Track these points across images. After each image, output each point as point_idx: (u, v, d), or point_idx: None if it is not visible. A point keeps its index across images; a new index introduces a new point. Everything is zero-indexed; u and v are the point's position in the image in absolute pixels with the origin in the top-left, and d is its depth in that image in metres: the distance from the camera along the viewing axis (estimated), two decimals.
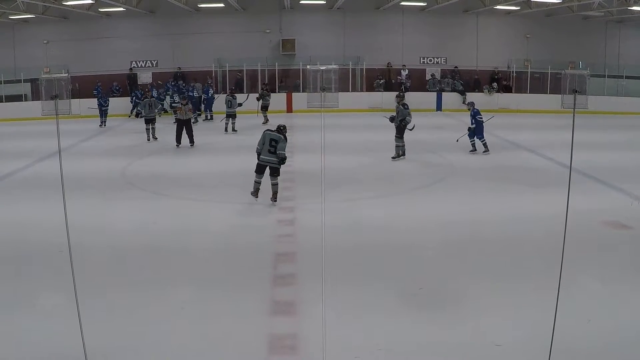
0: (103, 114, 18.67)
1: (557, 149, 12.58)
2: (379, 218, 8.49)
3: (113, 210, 9.06)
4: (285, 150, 8.91)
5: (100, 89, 20.17)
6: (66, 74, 21.20)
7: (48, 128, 13.88)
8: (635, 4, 17.87)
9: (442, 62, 23.73)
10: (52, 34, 22.49)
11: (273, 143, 8.80)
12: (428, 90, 22.90)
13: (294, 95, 22.22)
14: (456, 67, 23.34)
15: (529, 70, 22.81)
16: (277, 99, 21.85)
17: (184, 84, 21.24)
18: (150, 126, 15.43)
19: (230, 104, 17.07)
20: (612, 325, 5.03)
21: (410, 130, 12.64)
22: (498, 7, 21.28)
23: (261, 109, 18.68)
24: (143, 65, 23.07)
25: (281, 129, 9.01)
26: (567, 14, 22.15)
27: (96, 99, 19.33)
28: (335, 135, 15.05)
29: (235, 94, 17.68)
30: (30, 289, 5.96)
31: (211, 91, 20.52)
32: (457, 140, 13.61)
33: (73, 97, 20.95)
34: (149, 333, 5.01)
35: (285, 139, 8.92)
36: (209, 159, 13.41)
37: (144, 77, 22.81)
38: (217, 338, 4.93)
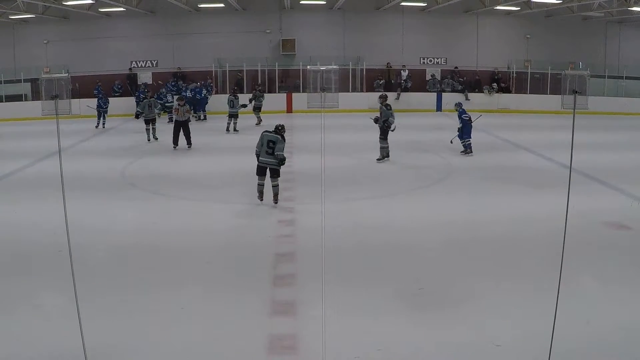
0: (102, 115, 18.41)
1: (557, 150, 12.58)
2: (379, 218, 8.49)
3: (113, 210, 9.06)
4: (284, 150, 8.88)
5: (100, 88, 20.15)
6: (66, 74, 21.19)
7: (48, 128, 13.87)
8: (635, 4, 17.87)
9: (442, 63, 23.73)
10: (52, 34, 22.48)
11: (270, 144, 8.76)
12: (428, 91, 22.90)
13: (294, 95, 22.22)
14: (456, 67, 23.34)
15: (529, 71, 22.81)
16: (277, 99, 21.86)
17: (184, 84, 21.25)
18: (151, 126, 15.42)
19: (232, 104, 17.10)
20: (612, 326, 5.02)
21: (392, 131, 12.42)
22: (498, 7, 21.28)
23: (254, 110, 18.37)
24: (143, 65, 23.07)
25: (279, 129, 8.95)
26: (567, 15, 22.15)
27: (96, 99, 19.23)
28: (335, 136, 15.05)
29: (238, 94, 17.70)
30: (30, 289, 5.96)
31: (204, 91, 20.53)
32: (451, 142, 13.56)
33: (73, 97, 20.94)
34: (148, 333, 5.02)
35: (283, 139, 8.87)
36: (209, 159, 13.41)
37: (144, 77, 22.80)
38: (217, 338, 4.93)
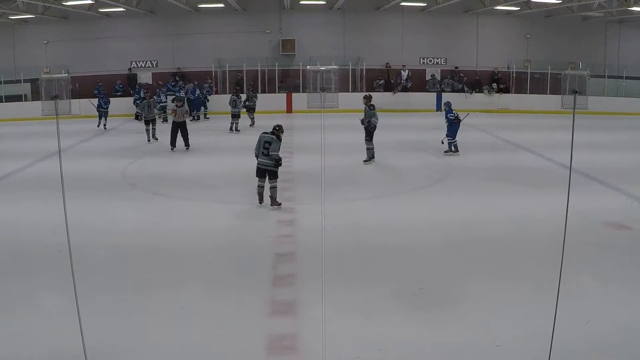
0: (102, 115, 18.22)
1: (557, 150, 12.59)
2: (379, 218, 8.49)
3: (113, 210, 9.06)
4: (280, 150, 8.82)
5: (101, 88, 20.13)
6: (66, 74, 21.18)
7: (48, 128, 13.86)
8: (635, 4, 17.87)
9: (442, 63, 23.73)
10: (52, 34, 22.48)
11: (267, 145, 8.75)
12: (428, 91, 22.89)
13: (294, 95, 22.22)
14: (457, 67, 23.33)
15: (529, 71, 22.81)
16: (277, 100, 21.86)
17: (183, 84, 21.26)
18: (151, 127, 15.40)
19: (234, 104, 17.12)
20: (612, 326, 5.02)
21: (372, 131, 12.29)
22: (498, 7, 21.27)
23: (247, 111, 18.20)
24: (143, 65, 23.06)
25: (276, 130, 8.92)
26: (567, 15, 22.14)
27: (97, 99, 19.15)
28: (335, 136, 15.03)
29: (240, 94, 17.70)
30: (30, 289, 5.96)
31: (198, 92, 20.52)
32: (442, 142, 13.52)
33: (73, 98, 20.92)
34: (148, 333, 5.02)
35: (279, 139, 8.83)
36: (209, 159, 13.40)
37: (144, 77, 22.80)
38: (217, 338, 4.93)
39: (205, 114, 20.40)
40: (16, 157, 13.14)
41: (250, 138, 11.71)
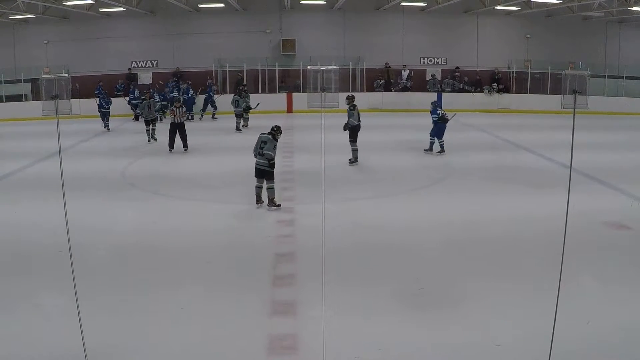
0: (105, 116, 17.99)
1: (557, 150, 12.58)
2: (379, 218, 8.49)
3: (113, 210, 9.06)
4: (276, 150, 8.81)
5: (101, 88, 20.08)
6: (66, 74, 21.17)
7: (48, 128, 13.84)
8: (635, 4, 17.87)
9: (443, 63, 23.73)
10: (52, 34, 22.47)
11: (262, 145, 8.76)
12: (428, 91, 22.88)
13: (294, 95, 22.22)
14: (457, 67, 23.33)
15: (529, 71, 22.81)
16: (277, 99, 21.86)
17: (178, 84, 21.25)
18: (150, 127, 15.38)
19: (237, 103, 17.13)
20: (612, 326, 5.03)
21: (344, 131, 12.18)
22: (498, 7, 21.27)
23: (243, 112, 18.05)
24: (143, 65, 23.06)
25: (274, 130, 8.92)
26: (567, 15, 22.14)
27: (97, 99, 19.02)
28: (335, 136, 15.00)
29: (242, 95, 17.66)
30: (30, 289, 5.96)
31: (191, 92, 20.48)
32: (434, 148, 13.53)
33: (73, 97, 20.91)
34: (148, 333, 5.02)
35: (274, 139, 8.81)
36: (209, 159, 13.40)
37: (144, 77, 22.80)
38: (217, 338, 4.93)
39: (213, 114, 20.28)
40: (16, 157, 13.14)
41: (250, 138, 11.68)
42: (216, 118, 20.21)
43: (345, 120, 12.25)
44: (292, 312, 5.42)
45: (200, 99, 21.04)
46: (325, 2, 22.44)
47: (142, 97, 16.59)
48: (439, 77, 23.33)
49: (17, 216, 8.67)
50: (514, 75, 23.29)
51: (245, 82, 21.40)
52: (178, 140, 13.87)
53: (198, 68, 22.36)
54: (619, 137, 16.30)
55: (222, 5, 21.90)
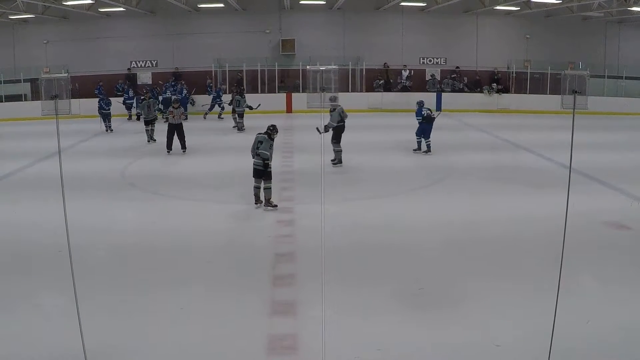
0: (106, 117, 17.62)
1: (557, 150, 12.58)
2: (379, 218, 8.49)
3: (113, 210, 9.06)
4: (271, 149, 8.79)
5: (102, 88, 20.04)
6: (66, 74, 21.15)
7: (48, 128, 13.81)
8: (635, 4, 17.87)
9: (442, 63, 23.72)
10: (52, 34, 22.47)
11: (258, 145, 8.77)
12: (428, 91, 22.88)
13: (294, 95, 22.21)
14: (458, 67, 23.33)
15: (528, 71, 22.80)
16: (277, 99, 21.86)
17: (178, 84, 21.28)
18: (150, 127, 15.33)
19: (238, 103, 17.16)
20: (612, 325, 5.03)
21: (324, 132, 12.01)
22: (498, 7, 21.27)
23: (232, 113, 17.89)
24: (143, 65, 23.05)
25: (269, 130, 8.92)
26: (566, 15, 22.14)
27: (97, 99, 18.69)
28: None
29: (245, 94, 17.67)
30: (30, 289, 5.96)
31: (185, 92, 20.43)
32: (424, 148, 13.60)
33: (73, 97, 20.88)
34: (148, 333, 5.02)
35: (270, 139, 8.81)
36: (209, 159, 13.39)
37: (144, 77, 22.79)
38: (217, 338, 4.93)
39: (220, 115, 20.22)
40: (16, 157, 13.14)
41: (251, 138, 11.69)
42: (222, 118, 20.17)
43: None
44: (292, 312, 5.42)
45: (200, 99, 21.02)
46: (324, 2, 22.43)
47: (142, 97, 16.53)
48: (438, 77, 23.33)
49: (17, 216, 8.67)
50: (514, 75, 23.29)
51: (236, 84, 21.36)
52: (176, 141, 13.70)
53: (198, 68, 22.35)
54: (619, 137, 16.31)
55: (221, 5, 21.89)
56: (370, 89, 22.85)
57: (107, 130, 17.46)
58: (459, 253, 7.09)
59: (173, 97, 17.30)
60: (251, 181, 9.02)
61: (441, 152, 13.50)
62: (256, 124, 17.55)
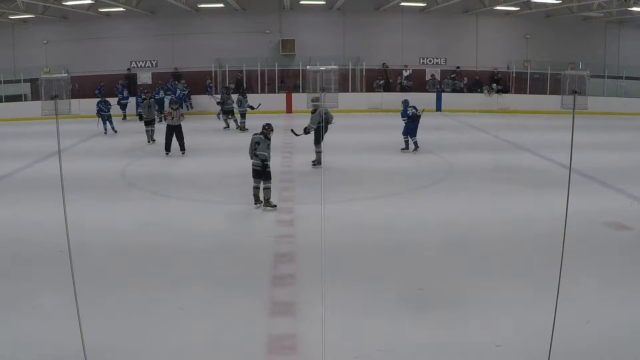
0: (108, 119, 17.20)
1: (557, 150, 12.58)
2: (379, 218, 8.49)
3: (113, 210, 9.06)
4: (269, 149, 8.81)
5: (102, 89, 19.99)
6: (66, 74, 21.12)
7: (48, 128, 13.82)
8: (635, 4, 17.88)
9: (442, 63, 23.72)
10: (52, 34, 22.47)
11: (256, 146, 8.80)
12: (428, 91, 22.89)
13: (294, 95, 22.21)
14: (458, 67, 23.33)
15: (528, 71, 22.81)
16: (277, 100, 21.87)
17: (169, 85, 21.27)
18: (150, 128, 15.29)
19: (240, 103, 17.18)
20: (612, 326, 5.03)
21: (316, 135, 12.02)
22: (498, 7, 21.28)
23: (223, 114, 17.82)
24: (142, 65, 23.05)
25: (265, 130, 8.93)
26: (566, 15, 22.14)
27: (98, 99, 18.08)
28: (335, 136, 15.04)
29: (247, 94, 17.68)
30: (30, 289, 5.95)
31: (178, 91, 20.42)
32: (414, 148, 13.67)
33: (73, 97, 20.87)
34: (148, 333, 5.02)
35: (267, 139, 8.83)
36: (208, 159, 13.39)
37: (144, 78, 22.79)
38: (217, 338, 4.93)
39: (218, 114, 20.15)
40: (16, 157, 13.14)
41: (250, 138, 11.72)
42: (231, 118, 20.14)
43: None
44: (292, 312, 5.42)
45: (200, 100, 21.01)
46: (324, 3, 22.44)
47: (143, 97, 16.48)
48: (438, 77, 23.33)
49: (17, 216, 8.66)
50: (514, 75, 23.29)
51: (227, 84, 21.34)
52: (175, 143, 13.52)
53: (197, 68, 22.36)
54: (619, 137, 16.31)
55: (221, 5, 21.89)
56: (370, 89, 22.85)
57: (105, 133, 17.07)
58: (459, 253, 7.09)
59: (171, 98, 17.23)
60: (251, 181, 9.02)
61: (441, 152, 13.50)
62: (257, 124, 17.60)
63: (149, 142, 15.23)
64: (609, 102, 21.42)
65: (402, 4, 21.64)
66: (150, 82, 22.15)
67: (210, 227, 8.15)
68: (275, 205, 8.86)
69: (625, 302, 5.52)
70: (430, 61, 23.73)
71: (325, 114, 12.18)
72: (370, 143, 14.62)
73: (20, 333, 4.96)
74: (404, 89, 22.56)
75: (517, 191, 9.97)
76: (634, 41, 23.48)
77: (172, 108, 13.56)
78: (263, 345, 4.75)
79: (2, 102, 21.22)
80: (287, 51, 22.85)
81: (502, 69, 23.22)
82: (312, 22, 23.19)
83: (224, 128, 17.68)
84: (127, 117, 20.19)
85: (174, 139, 13.44)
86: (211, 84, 21.80)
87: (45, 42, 22.51)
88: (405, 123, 13.52)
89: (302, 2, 22.36)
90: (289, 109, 22.05)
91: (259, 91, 21.92)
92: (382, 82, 22.83)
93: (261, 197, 8.90)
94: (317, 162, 12.04)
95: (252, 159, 8.90)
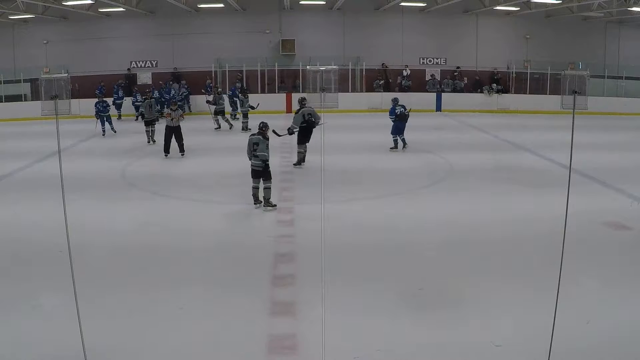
0: (104, 120, 16.86)
1: (557, 150, 12.58)
2: (379, 218, 8.49)
3: (113, 210, 9.06)
4: (268, 149, 8.81)
5: (103, 89, 19.97)
6: (66, 74, 21.16)
7: (48, 128, 13.85)
8: (635, 4, 17.88)
9: (442, 63, 23.72)
10: (52, 34, 22.46)
11: (255, 147, 8.79)
12: (427, 91, 22.90)
13: (294, 95, 22.19)
14: (458, 67, 23.33)
15: (528, 71, 22.81)
16: (277, 100, 21.87)
17: (185, 85, 21.28)
18: (150, 128, 15.24)
19: (242, 103, 17.20)
20: (612, 326, 5.03)
21: (299, 135, 12.01)
22: (498, 7, 21.28)
23: (214, 114, 17.59)
24: (142, 65, 23.05)
25: (262, 129, 8.93)
26: (566, 15, 22.14)
27: (97, 99, 17.68)
28: (334, 136, 15.05)
29: (248, 94, 17.67)
30: (30, 289, 5.95)
31: (172, 92, 20.41)
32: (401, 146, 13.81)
33: (72, 97, 20.90)
34: (148, 333, 5.02)
35: (265, 139, 8.83)
36: (208, 159, 13.39)
37: (144, 78, 22.79)
38: (217, 338, 4.93)
39: (235, 115, 20.12)
40: (16, 157, 13.14)
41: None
42: (237, 118, 20.09)
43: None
44: (292, 312, 5.42)
45: (200, 100, 20.99)
46: (324, 3, 22.44)
47: (144, 97, 16.45)
48: (438, 77, 23.34)
49: (17, 216, 8.66)
50: (514, 75, 23.29)
51: (214, 83, 21.30)
52: (174, 145, 13.36)
53: (197, 68, 22.36)
54: (619, 137, 16.30)
55: (221, 5, 21.89)
56: (370, 89, 22.85)
57: (104, 134, 16.75)
58: (459, 253, 7.09)
59: (170, 98, 17.20)
60: (251, 181, 9.02)
61: (441, 152, 13.50)
62: (255, 123, 17.57)
63: (149, 142, 15.19)
64: (609, 102, 21.43)
65: (402, 4, 21.64)
66: (151, 82, 22.16)
67: (210, 227, 8.15)
68: (275, 205, 8.86)
69: (625, 302, 5.52)
70: (430, 61, 23.73)
71: (309, 114, 12.17)
72: (371, 143, 14.61)
73: (20, 333, 4.96)
74: (403, 89, 22.56)
75: (517, 191, 9.97)
76: (634, 41, 23.48)
77: (171, 109, 13.39)
78: (263, 345, 4.75)
79: (2, 102, 21.22)
80: (287, 51, 22.85)
81: (502, 69, 23.22)
82: (312, 22, 23.19)
83: (215, 129, 17.52)
84: (122, 117, 20.21)
85: (173, 140, 13.31)
86: (211, 84, 21.79)
87: (45, 42, 22.51)
88: (392, 122, 13.57)
89: (302, 2, 22.36)
90: (288, 109, 22.03)
91: (259, 91, 21.91)
92: (382, 82, 22.83)
93: (260, 197, 8.90)
94: (297, 162, 12.01)
95: (250, 160, 8.90)
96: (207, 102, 17.81)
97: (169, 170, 12.27)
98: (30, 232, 7.81)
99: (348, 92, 22.34)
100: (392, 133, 13.75)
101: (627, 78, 22.14)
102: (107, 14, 21.99)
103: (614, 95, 22.18)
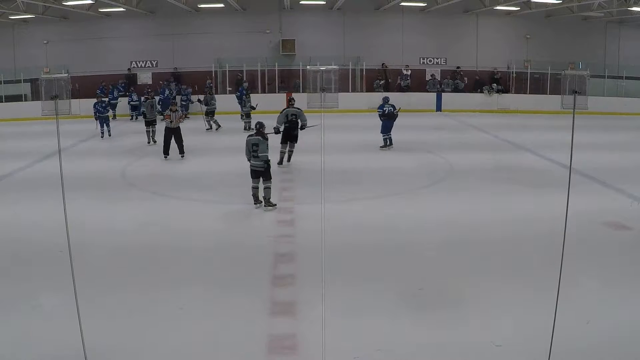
0: (106, 120, 16.61)
1: (557, 150, 12.58)
2: (379, 218, 8.49)
3: (113, 210, 9.05)
4: (268, 149, 8.81)
5: (104, 90, 19.95)
6: (66, 74, 21.17)
7: (48, 128, 13.86)
8: (635, 4, 17.88)
9: (442, 63, 23.73)
10: (52, 34, 22.47)
11: (254, 148, 8.79)
12: (428, 91, 22.90)
13: (294, 95, 22.18)
14: (459, 67, 23.33)
15: (528, 71, 22.81)
16: (277, 100, 21.85)
17: (184, 85, 21.28)
18: (150, 128, 15.21)
19: (244, 103, 17.28)
20: (612, 326, 5.03)
21: (283, 135, 12.19)
22: (498, 7, 21.28)
23: (206, 115, 17.52)
24: (143, 65, 23.06)
25: (260, 130, 8.93)
26: (567, 15, 22.15)
27: (94, 103, 17.37)
28: (335, 136, 15.05)
29: (250, 94, 17.69)
30: (30, 289, 5.95)
31: (167, 92, 20.38)
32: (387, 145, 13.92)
33: (73, 98, 20.90)
34: (148, 333, 5.02)
35: (264, 139, 8.83)
36: (209, 159, 13.39)
37: (144, 78, 22.80)
38: (217, 338, 4.93)
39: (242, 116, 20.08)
40: (16, 157, 13.14)
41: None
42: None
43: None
44: (292, 312, 5.42)
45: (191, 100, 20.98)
46: (324, 3, 22.44)
47: (145, 97, 16.43)
48: (438, 77, 23.34)
49: (17, 216, 8.66)
50: (514, 75, 23.30)
51: (214, 83, 21.31)
52: (174, 146, 13.22)
53: (198, 68, 22.36)
54: (619, 137, 16.30)
55: (221, 5, 21.90)
56: (370, 89, 22.84)
57: (102, 137, 16.46)
58: (459, 253, 7.09)
59: (159, 99, 17.16)
60: (250, 181, 9.02)
61: (441, 152, 13.50)
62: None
63: (149, 142, 15.15)
64: (609, 102, 21.42)
65: (402, 4, 21.64)
66: (151, 82, 22.16)
67: (210, 227, 8.15)
68: (275, 205, 8.86)
69: (625, 302, 5.52)
70: (430, 61, 23.74)
71: (293, 115, 12.18)
72: (371, 143, 14.59)
73: (20, 333, 4.96)
74: (402, 89, 22.57)
75: (517, 191, 9.97)
76: (634, 41, 23.48)
77: (171, 110, 13.29)
78: (263, 345, 4.75)
79: (2, 102, 21.23)
80: (287, 51, 22.86)
81: (502, 69, 23.22)
82: (312, 22, 23.19)
83: (207, 129, 17.40)
84: (117, 117, 20.27)
85: (173, 142, 13.19)
86: (211, 84, 21.79)
87: (45, 42, 22.52)
88: (381, 120, 13.74)
89: (302, 2, 22.37)
90: None
91: (259, 91, 21.91)
92: (382, 82, 22.83)
93: (260, 197, 8.90)
94: (279, 161, 12.02)
95: (249, 160, 8.89)
96: (199, 101, 17.68)
97: (169, 170, 12.26)
98: (30, 232, 7.81)
99: (348, 92, 22.34)
100: (381, 132, 13.88)
101: (627, 78, 22.14)
102: (107, 14, 22.00)
103: (614, 95, 22.18)
